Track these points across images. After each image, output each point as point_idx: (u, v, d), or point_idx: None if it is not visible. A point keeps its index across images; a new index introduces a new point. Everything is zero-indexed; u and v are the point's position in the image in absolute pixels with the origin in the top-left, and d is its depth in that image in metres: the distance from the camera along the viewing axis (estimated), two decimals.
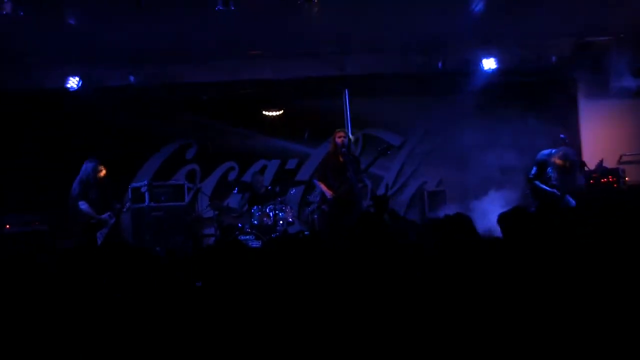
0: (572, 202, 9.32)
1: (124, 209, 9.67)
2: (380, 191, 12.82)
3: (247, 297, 3.31)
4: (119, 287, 3.61)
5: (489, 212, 8.83)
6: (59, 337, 3.13)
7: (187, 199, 11.49)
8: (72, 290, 3.57)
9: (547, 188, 9.39)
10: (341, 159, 9.61)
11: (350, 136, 10.02)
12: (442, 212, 11.02)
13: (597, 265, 3.48)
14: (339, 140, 9.60)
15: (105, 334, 3.12)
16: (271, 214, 10.77)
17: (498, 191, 11.23)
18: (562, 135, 9.61)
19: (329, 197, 9.61)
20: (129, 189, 11.09)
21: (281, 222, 10.79)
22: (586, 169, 10.62)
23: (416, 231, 6.93)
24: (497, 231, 4.74)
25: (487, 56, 12.07)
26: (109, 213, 9.16)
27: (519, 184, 10.81)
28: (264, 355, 3.00)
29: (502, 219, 4.89)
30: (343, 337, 3.04)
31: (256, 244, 10.36)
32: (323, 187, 9.70)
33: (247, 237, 10.67)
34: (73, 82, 11.42)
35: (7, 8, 8.68)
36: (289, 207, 11.10)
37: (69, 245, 9.60)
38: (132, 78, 11.63)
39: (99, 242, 9.02)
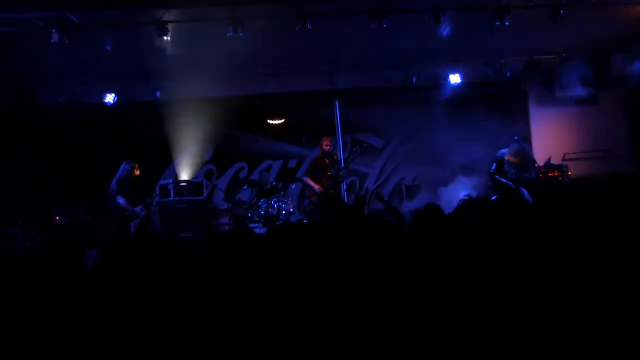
0: (527, 194, 9.31)
1: (154, 203, 9.66)
2: (368, 186, 12.92)
3: (254, 281, 3.25)
4: (150, 276, 3.54)
5: (454, 200, 8.88)
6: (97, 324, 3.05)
7: (205, 194, 11.47)
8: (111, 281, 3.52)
9: (505, 180, 9.42)
10: (327, 161, 9.83)
11: (340, 141, 10.19)
12: (417, 200, 11.15)
13: (551, 251, 3.41)
14: (325, 147, 9.87)
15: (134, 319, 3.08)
16: (275, 205, 10.79)
17: (462, 182, 11.26)
18: (516, 137, 9.64)
19: (317, 190, 9.79)
20: (157, 187, 11.06)
21: (284, 212, 10.80)
22: (536, 165, 10.65)
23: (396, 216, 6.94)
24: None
25: (453, 72, 12.14)
26: (140, 206, 9.17)
27: (481, 177, 10.84)
28: (266, 340, 2.85)
29: (464, 204, 4.90)
30: (337, 321, 2.89)
31: (262, 230, 10.40)
32: (311, 183, 9.96)
33: (255, 224, 10.74)
34: (110, 98, 11.47)
35: (55, 37, 8.74)
36: (290, 199, 11.12)
37: (108, 234, 9.70)
38: (157, 93, 11.66)
39: (132, 230, 9.03)
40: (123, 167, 9.15)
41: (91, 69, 10.64)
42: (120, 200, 9.01)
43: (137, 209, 9.13)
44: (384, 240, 3.61)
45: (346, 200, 11.22)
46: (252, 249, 3.53)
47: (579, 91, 12.18)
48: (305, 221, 11.55)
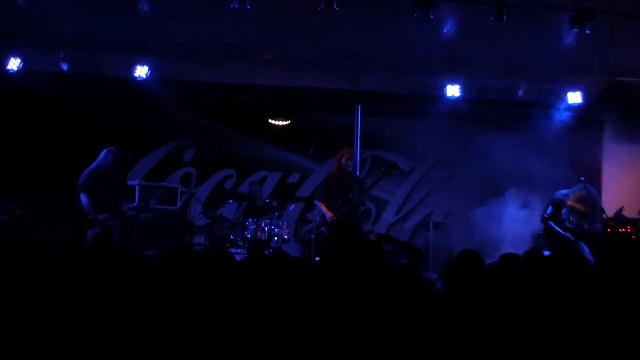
0: (587, 250, 9.28)
1: (130, 212, 9.57)
2: (387, 217, 12.89)
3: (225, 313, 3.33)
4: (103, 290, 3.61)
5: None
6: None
7: (179, 203, 11.48)
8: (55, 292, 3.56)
9: (561, 231, 9.40)
10: (344, 179, 9.70)
11: (358, 157, 10.11)
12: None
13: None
14: (344, 161, 9.73)
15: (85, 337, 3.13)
16: (266, 228, 10.76)
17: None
18: (582, 178, 9.63)
19: (328, 219, 9.69)
20: None
21: (276, 238, 10.77)
22: (604, 215, 10.60)
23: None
24: None
25: (513, 85, 12.17)
26: (107, 215, 9.05)
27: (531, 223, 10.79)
28: None
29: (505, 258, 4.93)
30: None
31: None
32: (324, 208, 9.80)
33: (238, 250, 10.66)
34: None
35: None
36: (286, 223, 11.12)
37: (55, 238, 9.62)
38: (134, 69, 11.65)
39: (88, 240, 8.95)
40: (104, 155, 9.08)
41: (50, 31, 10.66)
42: (84, 199, 8.88)
43: (103, 216, 9.00)
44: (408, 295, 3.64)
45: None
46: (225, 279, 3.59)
47: None
48: (301, 252, 11.61)
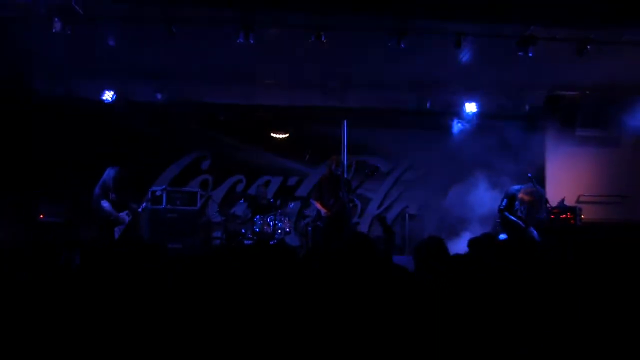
0: (536, 234, 9.32)
1: (140, 209, 9.59)
2: (370, 211, 12.90)
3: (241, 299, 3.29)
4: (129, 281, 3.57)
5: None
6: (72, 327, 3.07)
7: (199, 204, 11.47)
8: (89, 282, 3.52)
9: (514, 219, 9.42)
10: (335, 182, 9.76)
11: (345, 162, 10.11)
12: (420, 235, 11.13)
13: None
14: (334, 166, 9.81)
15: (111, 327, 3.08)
16: (271, 223, 10.77)
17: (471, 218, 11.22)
18: (529, 174, 9.65)
19: (323, 214, 9.72)
20: (149, 192, 11.04)
21: (279, 231, 10.79)
22: (548, 205, 10.61)
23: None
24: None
25: (470, 100, 12.17)
26: (126, 212, 9.12)
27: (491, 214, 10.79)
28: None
29: (472, 243, 4.92)
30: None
31: None
32: (319, 206, 9.83)
33: (249, 241, 10.73)
34: (108, 95, 11.47)
35: (57, 27, 8.70)
36: (287, 218, 11.10)
37: (90, 236, 9.66)
38: (158, 95, 11.67)
39: (116, 236, 8.99)
40: (108, 172, 9.06)
41: (92, 63, 10.65)
42: (105, 204, 8.94)
43: (123, 214, 9.09)
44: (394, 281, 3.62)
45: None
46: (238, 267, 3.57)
47: (600, 132, 12.19)
48: (300, 242, 11.61)
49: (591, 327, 3.11)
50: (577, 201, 12.33)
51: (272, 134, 12.72)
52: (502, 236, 8.93)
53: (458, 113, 12.31)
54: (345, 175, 11.61)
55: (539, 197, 9.64)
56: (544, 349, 3.00)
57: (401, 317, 3.15)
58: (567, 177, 12.58)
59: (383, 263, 4.12)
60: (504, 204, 9.58)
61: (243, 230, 11.01)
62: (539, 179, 10.85)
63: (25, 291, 3.33)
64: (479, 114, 12.23)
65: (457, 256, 4.49)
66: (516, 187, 9.61)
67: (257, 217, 10.85)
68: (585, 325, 3.13)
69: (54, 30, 8.69)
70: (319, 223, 10.03)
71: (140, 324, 3.10)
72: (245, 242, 10.77)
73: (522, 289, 3.37)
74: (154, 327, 3.08)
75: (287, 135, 12.77)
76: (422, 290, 3.43)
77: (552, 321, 3.16)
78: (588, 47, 9.45)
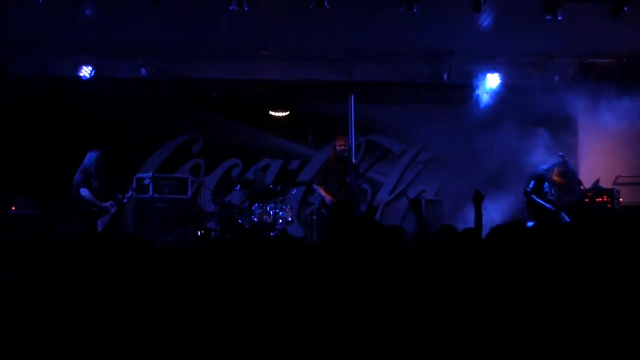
0: (567, 218, 9.28)
1: (125, 200, 9.58)
2: (382, 197, 12.88)
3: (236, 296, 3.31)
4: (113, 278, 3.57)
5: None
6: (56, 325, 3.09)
7: (190, 192, 11.45)
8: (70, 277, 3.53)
9: (544, 203, 9.36)
10: (341, 166, 9.70)
11: (352, 142, 10.07)
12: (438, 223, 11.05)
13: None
14: (339, 148, 9.75)
15: (99, 324, 3.10)
16: (271, 212, 10.78)
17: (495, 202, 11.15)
18: (560, 153, 9.60)
19: (328, 202, 9.70)
20: (134, 180, 11.02)
21: (280, 220, 10.79)
22: (582, 187, 10.55)
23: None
24: None
25: (492, 71, 12.09)
26: (110, 202, 9.11)
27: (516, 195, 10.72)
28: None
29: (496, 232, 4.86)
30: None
31: None
32: (322, 192, 9.84)
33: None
34: (86, 72, 11.41)
35: None
36: (289, 206, 11.09)
37: (70, 230, 9.63)
38: (143, 71, 11.62)
39: (99, 229, 8.97)
40: (89, 155, 9.10)
41: (68, 37, 10.61)
42: (84, 192, 8.91)
43: (106, 204, 9.07)
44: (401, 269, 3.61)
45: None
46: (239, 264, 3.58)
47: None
48: (304, 233, 11.59)
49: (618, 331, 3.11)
50: (615, 182, 12.27)
51: (270, 113, 12.70)
52: (530, 223, 8.88)
53: (478, 86, 12.21)
54: (354, 157, 11.62)
55: (572, 178, 9.58)
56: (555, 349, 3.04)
57: (408, 314, 3.20)
58: (602, 156, 12.51)
59: (395, 255, 4.10)
60: (530, 186, 9.53)
61: (240, 221, 10.98)
62: (571, 159, 10.78)
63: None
64: (502, 86, 12.15)
65: (476, 244, 4.47)
66: (544, 166, 9.56)
67: (256, 205, 10.82)
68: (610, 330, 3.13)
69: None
70: (323, 211, 9.99)
71: (127, 325, 3.12)
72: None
73: (541, 285, 3.39)
74: (143, 329, 3.11)
75: (287, 113, 12.74)
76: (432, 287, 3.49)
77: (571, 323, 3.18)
78: (625, 8, 9.36)
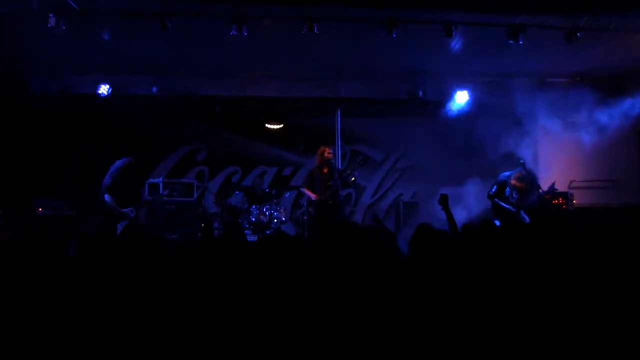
0: (527, 218, 9.34)
1: (132, 214, 9.49)
2: (364, 200, 12.96)
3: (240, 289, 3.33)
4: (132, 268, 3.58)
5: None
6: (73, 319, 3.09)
7: (195, 195, 11.53)
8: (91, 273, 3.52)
9: (505, 205, 9.42)
10: (325, 171, 9.81)
11: (339, 151, 10.14)
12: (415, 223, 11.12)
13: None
14: (325, 155, 9.83)
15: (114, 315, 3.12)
16: (267, 213, 10.85)
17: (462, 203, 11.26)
18: (521, 160, 9.67)
19: (313, 199, 9.76)
20: (146, 184, 11.09)
21: (275, 220, 10.86)
22: (540, 190, 10.64)
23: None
24: None
25: (462, 88, 12.20)
26: (131, 208, 8.96)
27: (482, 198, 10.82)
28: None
29: (466, 228, 4.95)
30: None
31: (253, 238, 10.46)
32: (308, 192, 9.91)
33: (246, 231, 10.77)
34: (104, 89, 11.46)
35: (52, 22, 8.69)
36: (283, 208, 11.17)
37: (92, 230, 9.64)
38: (154, 88, 11.68)
39: (118, 232, 8.91)
40: (122, 162, 8.87)
41: (87, 58, 10.67)
42: (107, 198, 8.81)
43: (127, 210, 8.95)
44: (383, 261, 3.66)
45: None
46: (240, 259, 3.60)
47: (590, 118, 12.22)
48: (296, 231, 11.65)
49: (585, 318, 3.13)
50: (569, 186, 12.39)
51: (266, 125, 12.77)
52: (498, 222, 8.95)
53: (450, 101, 12.32)
54: (339, 165, 11.72)
55: (532, 183, 9.63)
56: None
57: (392, 307, 3.18)
58: (558, 163, 12.62)
59: (378, 254, 4.11)
60: (493, 190, 9.52)
61: (240, 221, 11.06)
62: (533, 165, 10.88)
63: (27, 285, 3.35)
64: (470, 102, 12.26)
65: (453, 240, 4.52)
66: (506, 173, 9.56)
67: (254, 207, 10.91)
68: (579, 317, 3.15)
69: (49, 26, 8.69)
70: (311, 210, 10.05)
71: (137, 319, 3.15)
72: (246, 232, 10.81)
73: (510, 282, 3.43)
74: (152, 321, 3.14)
75: (281, 126, 12.82)
76: (415, 280, 3.48)
77: (546, 313, 3.18)
78: (577, 34, 9.50)
